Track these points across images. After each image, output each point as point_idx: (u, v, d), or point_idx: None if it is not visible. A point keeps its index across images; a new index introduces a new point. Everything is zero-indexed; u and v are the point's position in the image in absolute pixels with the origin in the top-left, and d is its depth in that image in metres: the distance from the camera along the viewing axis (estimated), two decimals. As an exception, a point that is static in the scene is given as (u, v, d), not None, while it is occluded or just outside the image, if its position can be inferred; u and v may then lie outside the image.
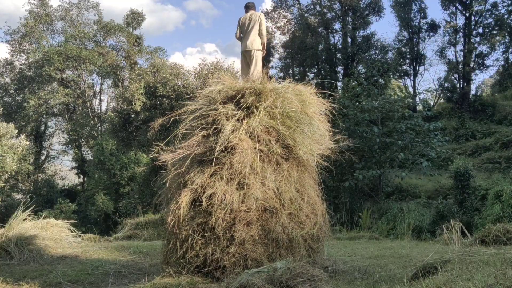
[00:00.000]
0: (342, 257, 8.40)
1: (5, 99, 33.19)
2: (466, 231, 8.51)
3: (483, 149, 22.38)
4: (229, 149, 6.10)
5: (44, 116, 32.88)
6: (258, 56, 7.59)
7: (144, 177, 25.35)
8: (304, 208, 6.23)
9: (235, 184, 5.96)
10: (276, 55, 33.40)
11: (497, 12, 27.33)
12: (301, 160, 6.39)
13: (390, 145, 15.97)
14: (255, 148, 6.09)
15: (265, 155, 6.18)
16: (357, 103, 17.06)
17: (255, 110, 6.23)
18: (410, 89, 30.18)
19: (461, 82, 28.23)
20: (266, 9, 33.52)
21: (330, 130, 6.92)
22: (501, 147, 21.85)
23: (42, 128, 34.09)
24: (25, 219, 9.59)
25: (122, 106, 28.99)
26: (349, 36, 29.79)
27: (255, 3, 7.86)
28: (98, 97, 35.29)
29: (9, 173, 22.54)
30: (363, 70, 26.23)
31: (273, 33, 32.49)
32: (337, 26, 31.12)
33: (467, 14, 27.60)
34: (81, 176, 33.32)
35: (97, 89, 34.98)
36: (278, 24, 32.40)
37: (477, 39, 28.03)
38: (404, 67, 30.31)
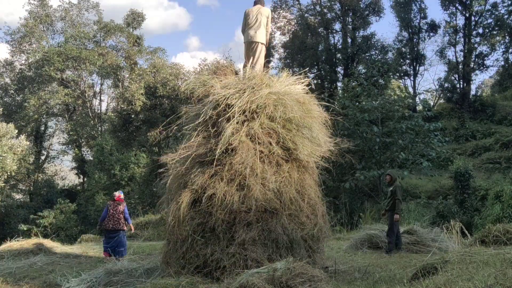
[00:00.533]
0: (342, 257, 8.41)
1: (5, 99, 33.20)
2: (466, 231, 8.52)
3: (483, 149, 22.38)
4: (230, 151, 6.11)
5: (44, 116, 32.87)
6: (261, 49, 7.51)
7: (144, 177, 25.36)
8: (304, 209, 6.24)
9: (235, 185, 5.97)
10: (276, 55, 33.42)
11: (497, 12, 27.32)
12: (301, 162, 6.40)
13: (390, 145, 15.96)
14: (256, 149, 6.10)
15: (265, 156, 6.18)
16: (357, 103, 17.05)
17: (255, 116, 6.24)
18: (410, 89, 30.19)
19: (461, 82, 28.22)
20: (266, 9, 33.40)
21: (330, 132, 6.94)
22: (501, 147, 21.85)
23: (42, 128, 34.08)
24: None
25: (122, 106, 28.99)
26: (349, 36, 29.77)
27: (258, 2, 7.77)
28: (98, 97, 35.34)
29: (9, 173, 22.56)
30: (363, 70, 26.19)
31: (273, 33, 32.50)
32: (337, 26, 31.13)
33: (467, 14, 27.59)
34: (81, 176, 33.31)
35: (97, 89, 35.01)
36: (278, 24, 32.37)
37: (477, 39, 28.03)
38: (404, 67, 30.28)
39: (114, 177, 26.14)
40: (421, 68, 30.61)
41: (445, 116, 27.81)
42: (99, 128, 33.33)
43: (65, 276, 7.01)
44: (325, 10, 30.55)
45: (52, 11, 33.22)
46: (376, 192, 17.61)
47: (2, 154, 21.57)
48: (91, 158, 30.84)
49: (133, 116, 28.31)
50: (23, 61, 33.51)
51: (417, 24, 29.36)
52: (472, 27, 27.65)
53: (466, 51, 27.60)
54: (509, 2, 27.02)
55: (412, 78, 30.41)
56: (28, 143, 26.94)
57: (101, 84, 34.75)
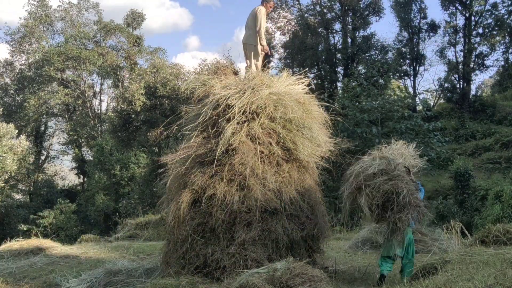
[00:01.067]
0: (342, 257, 8.42)
1: (5, 99, 33.20)
2: (466, 232, 8.53)
3: (483, 150, 22.38)
4: (230, 151, 6.11)
5: (44, 116, 32.88)
6: (252, 50, 7.45)
7: (144, 177, 25.35)
8: (304, 209, 6.24)
9: (235, 185, 5.97)
10: (276, 55, 33.45)
11: (497, 13, 27.32)
12: (301, 162, 6.40)
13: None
14: (256, 150, 6.10)
15: (265, 156, 6.19)
16: (357, 103, 17.06)
17: (255, 116, 6.25)
18: (410, 90, 30.19)
19: (461, 83, 28.22)
20: (266, 10, 33.37)
21: (330, 132, 6.95)
22: (501, 147, 21.84)
23: (42, 128, 34.08)
24: None
25: (122, 106, 28.98)
26: (349, 37, 29.78)
27: (259, 2, 7.72)
28: (98, 97, 35.34)
29: (9, 173, 22.56)
30: (363, 70, 26.21)
31: (273, 33, 32.51)
32: (337, 26, 31.14)
33: (467, 14, 27.59)
34: (81, 176, 33.31)
35: (97, 89, 35.01)
36: (278, 25, 32.40)
37: (477, 39, 28.04)
38: (404, 67, 30.29)
39: (114, 177, 26.15)
40: (421, 68, 30.65)
41: (445, 116, 27.82)
42: (99, 128, 33.33)
43: (65, 276, 7.01)
44: (325, 10, 30.56)
45: (52, 11, 33.23)
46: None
47: (2, 154, 21.58)
48: (91, 158, 30.83)
49: (133, 116, 28.31)
50: (23, 61, 33.56)
51: (417, 24, 29.37)
52: (472, 27, 27.66)
53: (466, 51, 27.61)
54: (509, 2, 27.05)
55: (412, 78, 30.43)
56: (28, 143, 26.93)
57: (101, 84, 34.78)
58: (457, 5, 27.79)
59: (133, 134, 29.08)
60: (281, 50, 32.85)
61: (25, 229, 22.15)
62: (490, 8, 27.42)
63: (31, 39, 31.94)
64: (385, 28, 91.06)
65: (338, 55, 30.50)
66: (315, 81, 29.08)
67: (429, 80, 75.17)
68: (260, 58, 7.63)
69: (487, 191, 15.13)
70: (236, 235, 5.82)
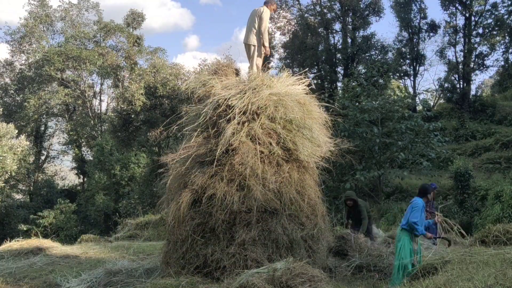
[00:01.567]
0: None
1: (5, 99, 33.19)
2: (464, 232, 8.53)
3: (483, 150, 22.36)
4: (230, 151, 6.11)
5: (44, 116, 32.88)
6: (253, 50, 7.42)
7: (144, 177, 25.35)
8: (304, 209, 6.24)
9: (235, 185, 5.97)
10: (276, 56, 33.43)
11: (497, 13, 27.29)
12: (301, 162, 6.40)
13: (390, 146, 15.96)
14: (256, 150, 6.10)
15: (265, 157, 6.19)
16: (357, 104, 17.04)
17: (256, 117, 6.25)
18: (410, 90, 30.16)
19: (461, 83, 28.20)
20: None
21: (330, 133, 6.95)
22: (501, 147, 21.83)
23: (42, 128, 34.08)
24: None
25: (122, 106, 28.97)
26: (349, 37, 29.76)
27: (260, 5, 7.71)
28: (98, 97, 35.34)
29: (9, 173, 22.56)
30: (363, 70, 26.19)
31: (273, 33, 32.52)
32: (337, 26, 31.11)
33: (467, 15, 27.57)
34: (81, 176, 33.30)
35: (97, 89, 35.01)
36: (278, 25, 32.39)
37: (477, 39, 28.01)
38: (404, 67, 30.26)
39: (114, 177, 26.15)
40: (421, 68, 30.61)
41: (445, 116, 27.82)
42: (99, 128, 33.33)
43: (65, 276, 7.02)
44: (325, 10, 30.55)
45: (52, 11, 33.22)
46: (376, 192, 17.62)
47: (2, 154, 21.58)
48: (91, 158, 30.83)
49: (133, 116, 28.30)
50: (23, 61, 33.54)
51: (417, 24, 29.35)
52: (472, 27, 27.64)
53: (466, 51, 27.59)
54: (509, 2, 27.02)
55: (412, 78, 30.40)
56: (28, 143, 26.94)
57: (101, 84, 34.79)
58: (457, 5, 27.77)
59: (133, 134, 29.07)
60: (281, 50, 32.86)
61: (25, 229, 22.16)
62: (490, 8, 27.40)
63: (31, 39, 31.93)
64: (385, 28, 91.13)
65: (338, 55, 30.48)
66: (315, 81, 29.07)
67: (429, 80, 75.27)
68: (261, 59, 7.63)
69: (487, 191, 15.13)
70: (236, 235, 5.82)
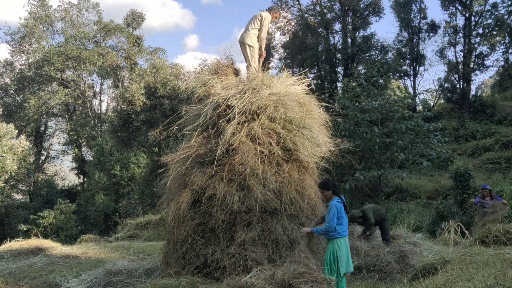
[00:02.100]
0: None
1: (5, 99, 33.20)
2: (466, 232, 8.51)
3: (483, 150, 22.36)
4: (230, 151, 6.11)
5: (44, 116, 32.89)
6: (248, 50, 7.43)
7: (144, 177, 25.35)
8: (305, 209, 6.23)
9: (235, 185, 5.97)
10: (276, 56, 33.44)
11: (497, 13, 27.28)
12: (301, 162, 6.40)
13: (390, 146, 15.94)
14: (256, 150, 6.10)
15: (265, 157, 6.19)
16: (357, 104, 17.03)
17: (256, 117, 6.25)
18: (410, 90, 30.14)
19: (461, 83, 28.19)
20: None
21: (330, 133, 6.95)
22: (501, 147, 21.82)
23: (42, 128, 34.09)
24: None
25: (122, 106, 28.98)
26: (349, 37, 29.76)
27: (261, 5, 7.76)
28: (98, 97, 35.36)
29: (9, 174, 22.56)
30: (363, 70, 26.18)
31: (273, 33, 32.53)
32: (337, 26, 31.11)
33: (467, 15, 27.57)
34: (81, 177, 33.31)
35: (97, 89, 35.03)
36: (278, 25, 32.38)
37: (477, 39, 28.00)
38: (404, 67, 30.24)
39: (114, 177, 26.15)
40: (421, 68, 30.60)
41: (445, 116, 27.81)
42: (99, 128, 33.34)
43: (65, 276, 7.02)
44: (325, 10, 30.55)
45: (52, 11, 33.24)
46: (376, 193, 17.60)
47: (2, 154, 21.58)
48: (91, 158, 30.85)
49: (133, 116, 28.31)
50: (23, 61, 33.56)
51: (417, 24, 29.35)
52: (472, 27, 27.64)
53: (466, 51, 27.59)
54: (509, 2, 27.01)
55: (412, 78, 30.40)
56: (28, 143, 26.94)
57: (101, 84, 34.81)
58: (457, 5, 27.77)
59: (133, 134, 29.07)
60: (281, 50, 32.87)
61: (25, 229, 22.16)
62: (490, 8, 27.40)
63: (31, 39, 31.94)
64: (385, 28, 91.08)
65: (338, 55, 30.48)
66: (315, 81, 29.07)
67: (429, 80, 75.16)
68: (257, 60, 7.62)
69: (487, 191, 15.10)
70: (236, 235, 5.81)
